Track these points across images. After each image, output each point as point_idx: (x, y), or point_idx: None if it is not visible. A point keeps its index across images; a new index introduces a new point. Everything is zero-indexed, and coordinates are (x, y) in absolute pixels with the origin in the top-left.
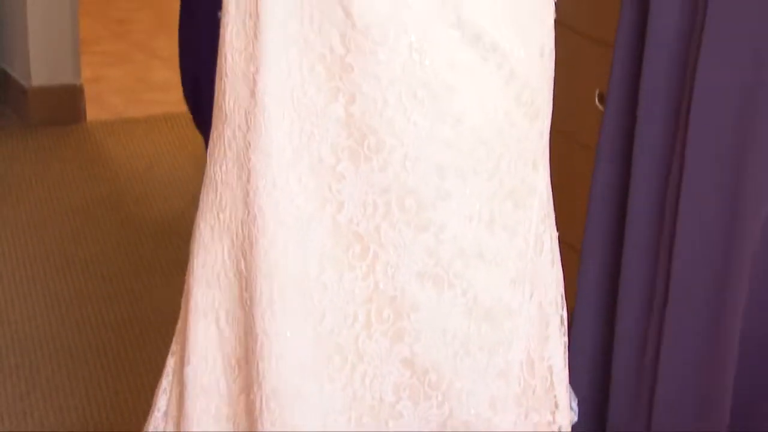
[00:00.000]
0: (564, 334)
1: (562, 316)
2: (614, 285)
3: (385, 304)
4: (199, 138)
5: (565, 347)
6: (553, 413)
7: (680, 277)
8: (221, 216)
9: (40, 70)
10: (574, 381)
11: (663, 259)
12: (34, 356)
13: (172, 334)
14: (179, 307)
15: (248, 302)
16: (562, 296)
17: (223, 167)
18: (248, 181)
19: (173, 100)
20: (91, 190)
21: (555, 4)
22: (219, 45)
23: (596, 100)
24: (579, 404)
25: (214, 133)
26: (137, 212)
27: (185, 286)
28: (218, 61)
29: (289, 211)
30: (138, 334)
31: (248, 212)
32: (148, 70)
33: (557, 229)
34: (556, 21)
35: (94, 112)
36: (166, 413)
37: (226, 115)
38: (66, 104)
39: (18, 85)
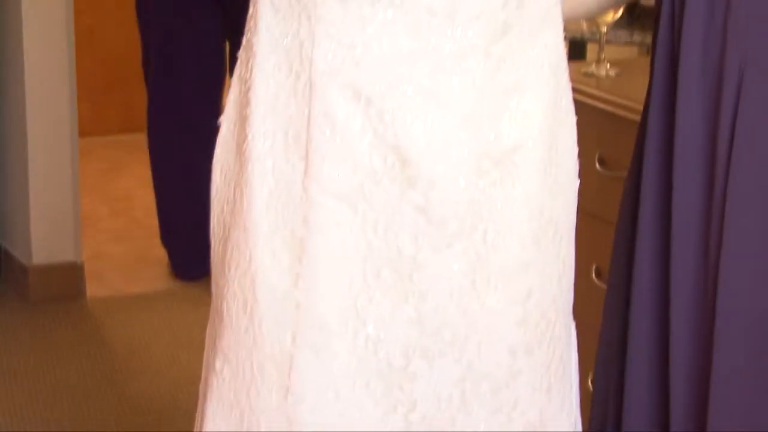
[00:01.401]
0: None
1: None
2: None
3: None
4: (198, 315)
5: None
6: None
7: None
8: None
9: (41, 249)
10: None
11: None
12: None
13: None
14: None
15: None
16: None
17: None
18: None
19: (173, 276)
20: (89, 367)
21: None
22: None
23: (596, 163)
24: None
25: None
26: (135, 388)
27: None
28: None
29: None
30: None
31: None
32: (148, 247)
33: None
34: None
35: (93, 289)
36: None
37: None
38: (66, 282)
39: (18, 264)
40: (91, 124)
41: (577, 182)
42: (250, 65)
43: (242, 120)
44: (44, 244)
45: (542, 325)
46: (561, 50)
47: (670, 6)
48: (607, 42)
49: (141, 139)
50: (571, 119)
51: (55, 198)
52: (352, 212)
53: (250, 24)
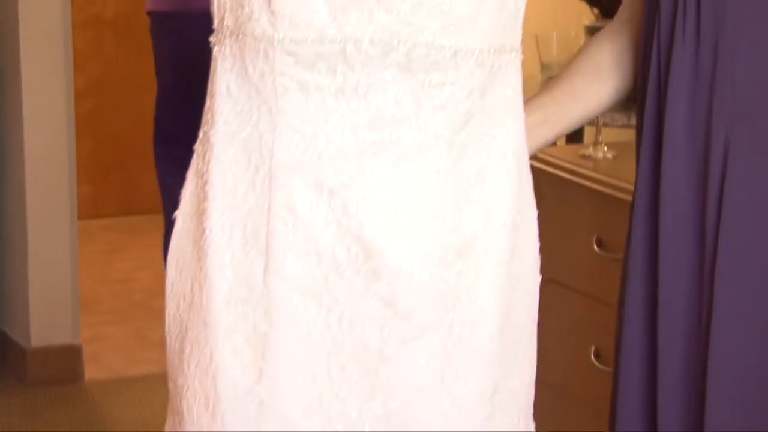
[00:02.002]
0: None
1: None
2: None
3: None
4: None
5: None
6: None
7: None
8: None
9: (40, 332)
10: None
11: None
12: None
13: None
14: None
15: None
16: None
17: None
18: None
19: None
20: None
21: None
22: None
23: (594, 245)
24: None
25: None
26: None
27: None
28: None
29: None
30: None
31: None
32: (147, 329)
33: None
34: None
35: (92, 371)
36: None
37: None
38: (64, 364)
39: (17, 346)
40: (91, 206)
41: (538, 278)
42: (207, 158)
43: (199, 214)
44: (43, 326)
45: (506, 421)
46: (523, 139)
47: (655, 87)
48: (604, 125)
49: (140, 222)
50: (532, 212)
51: (55, 280)
52: (316, 306)
53: (206, 117)
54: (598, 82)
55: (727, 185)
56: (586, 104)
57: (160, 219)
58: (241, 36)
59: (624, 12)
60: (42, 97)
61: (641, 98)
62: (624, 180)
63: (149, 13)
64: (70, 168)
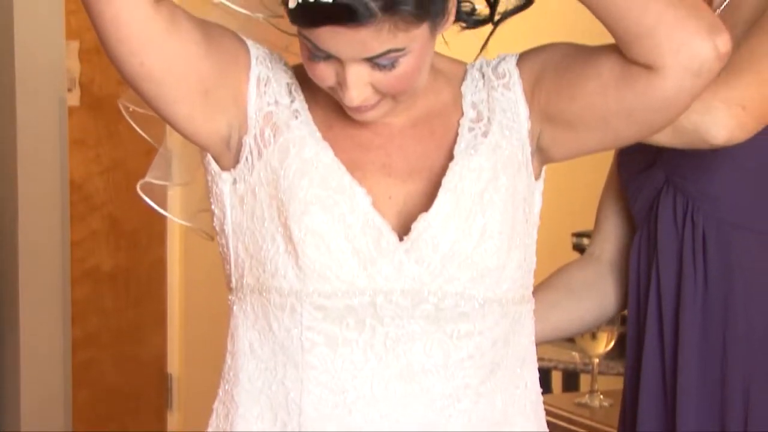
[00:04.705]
0: None
1: None
2: None
3: None
4: None
5: None
6: None
7: None
8: None
9: None
10: None
11: None
12: None
13: None
14: None
15: None
16: None
17: None
18: None
19: None
20: None
21: None
22: None
23: None
24: None
25: None
26: None
27: None
28: None
29: None
30: None
31: None
32: None
33: None
34: None
35: None
36: None
37: None
38: None
39: None
40: None
41: None
42: (230, 418)
43: None
44: None
45: None
46: (538, 390)
47: (657, 337)
48: (600, 373)
49: None
50: None
51: (47, 413)
52: None
53: (228, 376)
54: (572, 299)
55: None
56: (563, 317)
57: None
58: (264, 293)
59: (595, 247)
60: (40, 347)
61: (636, 341)
62: None
63: None
64: (66, 418)
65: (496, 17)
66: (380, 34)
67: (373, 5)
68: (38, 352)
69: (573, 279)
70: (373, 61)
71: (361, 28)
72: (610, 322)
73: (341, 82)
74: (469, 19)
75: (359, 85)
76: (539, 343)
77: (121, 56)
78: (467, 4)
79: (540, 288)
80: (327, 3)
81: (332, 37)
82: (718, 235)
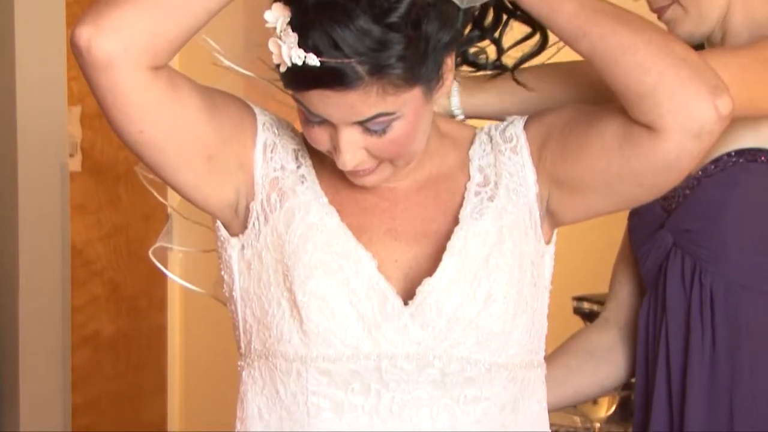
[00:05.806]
0: None
1: None
2: None
3: None
4: None
5: None
6: None
7: None
8: None
9: None
10: None
11: None
12: None
13: None
14: None
15: None
16: None
17: None
18: None
19: None
20: None
21: None
22: None
23: None
24: None
25: None
26: None
27: None
28: None
29: None
30: None
31: None
32: None
33: None
34: None
35: None
36: None
37: None
38: None
39: None
40: None
41: None
42: None
43: None
44: None
45: None
46: None
47: (665, 395)
48: None
49: None
50: None
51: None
52: None
53: None
54: (591, 364)
55: None
56: (584, 381)
57: None
58: (270, 358)
59: (609, 312)
60: (40, 414)
61: (643, 403)
62: None
63: None
64: None
65: (513, 63)
66: (369, 98)
67: (360, 69)
68: (38, 419)
69: (592, 344)
70: (364, 126)
71: (349, 91)
72: None
73: (335, 146)
74: (487, 67)
75: (352, 149)
76: (559, 409)
77: (121, 124)
78: (481, 54)
79: (558, 353)
80: (315, 67)
81: (322, 101)
82: (726, 296)
